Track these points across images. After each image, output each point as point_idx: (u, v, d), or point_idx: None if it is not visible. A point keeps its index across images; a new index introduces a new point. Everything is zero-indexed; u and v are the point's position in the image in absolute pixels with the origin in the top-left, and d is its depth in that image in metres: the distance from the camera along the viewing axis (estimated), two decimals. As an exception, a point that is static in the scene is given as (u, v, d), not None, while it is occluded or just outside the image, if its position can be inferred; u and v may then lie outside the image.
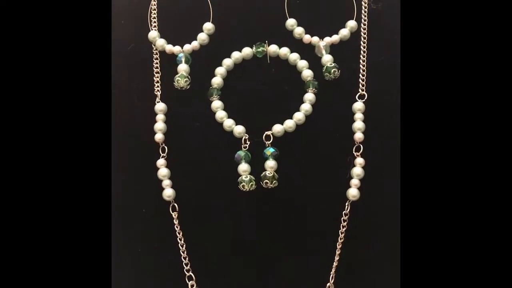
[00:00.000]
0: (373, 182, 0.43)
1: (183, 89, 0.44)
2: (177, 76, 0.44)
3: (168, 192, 0.43)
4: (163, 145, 0.44)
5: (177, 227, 0.43)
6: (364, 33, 0.46)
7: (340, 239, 0.42)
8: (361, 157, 0.43)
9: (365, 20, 0.47)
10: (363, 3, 0.47)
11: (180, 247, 0.43)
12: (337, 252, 0.42)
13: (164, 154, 0.44)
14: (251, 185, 0.41)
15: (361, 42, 0.46)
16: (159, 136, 0.44)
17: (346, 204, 0.42)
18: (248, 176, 0.42)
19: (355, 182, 0.42)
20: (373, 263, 0.43)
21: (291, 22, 0.45)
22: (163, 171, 0.43)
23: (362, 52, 0.46)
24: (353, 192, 0.42)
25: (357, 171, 0.42)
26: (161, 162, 0.43)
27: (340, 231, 0.42)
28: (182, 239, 0.43)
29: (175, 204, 0.43)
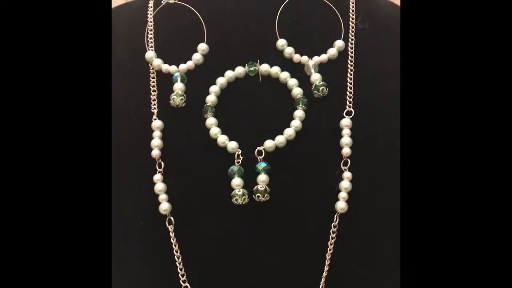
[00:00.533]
0: (365, 195, 0.45)
1: (179, 107, 0.46)
2: (173, 94, 0.46)
3: (164, 206, 0.45)
4: (160, 160, 0.45)
5: (173, 240, 0.44)
6: (351, 52, 0.48)
7: (330, 250, 0.44)
8: (349, 171, 0.45)
9: (352, 40, 0.49)
10: (350, 23, 0.49)
11: (176, 259, 0.44)
12: (327, 263, 0.44)
13: (161, 170, 0.45)
14: (244, 198, 0.43)
15: (348, 61, 0.48)
16: (155, 152, 0.45)
17: (335, 216, 0.44)
18: (241, 190, 0.43)
19: (343, 195, 0.44)
20: (363, 273, 0.44)
21: (281, 42, 0.47)
22: (159, 186, 0.45)
23: (349, 70, 0.47)
24: (341, 205, 0.44)
25: (345, 184, 0.44)
26: (157, 177, 0.45)
27: (329, 242, 0.44)
28: (178, 251, 0.44)
29: (171, 218, 0.44)
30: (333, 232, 0.44)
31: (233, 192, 0.43)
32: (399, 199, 0.40)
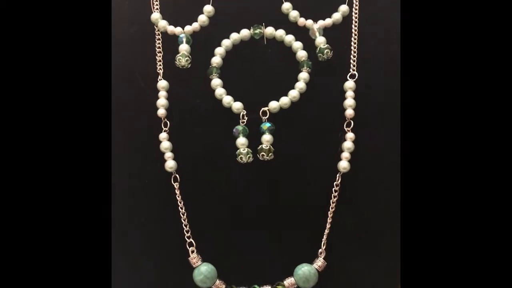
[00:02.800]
0: (367, 156, 0.46)
1: (184, 67, 0.46)
2: (178, 55, 0.46)
3: (170, 164, 0.45)
4: (165, 120, 0.46)
5: (178, 197, 0.45)
6: (356, 18, 0.48)
7: (332, 208, 0.45)
8: (352, 132, 0.45)
9: (356, 5, 0.49)
10: (355, -11, 0.49)
11: (182, 215, 0.45)
12: (329, 221, 0.45)
13: (166, 129, 0.46)
14: (249, 157, 0.44)
15: (352, 26, 0.48)
16: (161, 111, 0.46)
17: (337, 175, 0.45)
18: (246, 149, 0.44)
19: (345, 155, 0.45)
20: (365, 230, 0.46)
21: (286, 5, 0.47)
22: (165, 144, 0.45)
23: (353, 35, 0.48)
24: (343, 164, 0.45)
25: (348, 145, 0.45)
26: (163, 135, 0.45)
27: (331, 200, 0.45)
28: (183, 207, 0.45)
29: (177, 175, 0.45)
30: (335, 191, 0.45)
31: (238, 151, 0.44)
32: (399, 162, 0.41)
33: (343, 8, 0.48)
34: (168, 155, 0.45)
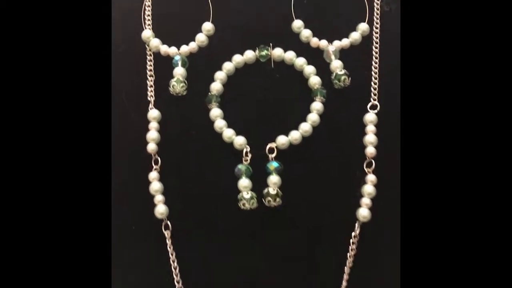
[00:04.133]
0: (390, 202, 0.40)
1: (179, 95, 0.41)
2: (172, 80, 0.41)
3: (161, 209, 0.40)
4: (156, 156, 0.41)
5: (169, 247, 0.40)
6: (377, 37, 0.43)
7: (349, 263, 0.39)
8: (373, 173, 0.39)
9: (377, 23, 0.43)
10: (375, 4, 0.44)
11: (173, 270, 0.39)
12: (345, 278, 0.39)
13: (157, 167, 0.41)
14: (252, 202, 0.38)
15: (373, 47, 0.43)
16: (151, 147, 0.41)
17: (356, 225, 0.39)
18: (249, 192, 0.39)
19: (366, 201, 0.39)
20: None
21: (297, 24, 0.42)
22: (155, 186, 0.40)
23: (374, 58, 0.42)
24: (363, 213, 0.39)
25: (368, 189, 0.39)
26: (153, 175, 0.40)
27: (348, 254, 0.39)
28: (175, 261, 0.39)
29: (168, 222, 0.40)
30: (353, 243, 0.39)
31: (240, 194, 0.39)
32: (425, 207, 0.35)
33: (363, 26, 0.43)
34: (159, 198, 0.40)
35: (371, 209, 0.39)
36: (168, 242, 0.40)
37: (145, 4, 0.43)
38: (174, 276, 0.39)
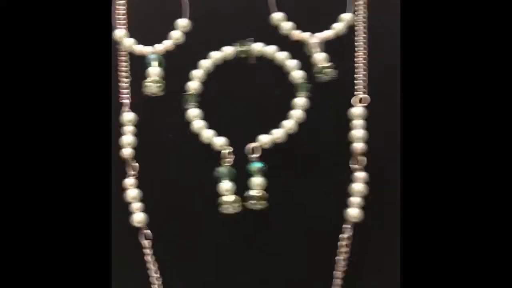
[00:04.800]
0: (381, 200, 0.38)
1: (155, 95, 0.39)
2: (147, 80, 0.39)
3: (138, 217, 0.38)
4: (132, 161, 0.39)
5: (151, 258, 0.38)
6: (364, 27, 0.41)
7: (342, 267, 0.37)
8: (364, 170, 0.37)
9: (364, 13, 0.41)
10: (362, -10, 0.42)
11: (156, 281, 0.37)
12: (335, 283, 0.36)
13: (134, 172, 0.39)
14: (235, 206, 0.36)
15: (361, 38, 0.40)
16: (127, 151, 0.39)
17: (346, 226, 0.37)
18: (232, 196, 0.37)
19: (356, 200, 0.37)
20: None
21: (277, 16, 0.40)
22: (132, 193, 0.38)
23: (362, 48, 0.40)
24: (353, 213, 0.37)
25: (357, 187, 0.37)
26: (129, 181, 0.38)
27: (337, 257, 0.37)
28: (157, 272, 0.37)
29: (147, 231, 0.38)
30: (342, 246, 0.37)
31: (221, 198, 0.37)
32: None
33: (347, 16, 0.41)
34: (136, 206, 0.38)
35: (363, 208, 0.37)
36: (149, 252, 0.38)
37: (116, 2, 0.41)
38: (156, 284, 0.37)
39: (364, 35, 0.41)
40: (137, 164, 0.39)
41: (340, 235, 0.37)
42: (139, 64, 0.40)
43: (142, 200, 0.38)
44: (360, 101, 0.39)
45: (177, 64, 0.40)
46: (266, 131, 0.38)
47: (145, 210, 0.38)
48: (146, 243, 0.38)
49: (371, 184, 0.38)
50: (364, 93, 0.39)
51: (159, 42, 0.40)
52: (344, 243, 0.37)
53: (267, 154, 0.38)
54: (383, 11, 0.42)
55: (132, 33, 0.41)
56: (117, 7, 0.41)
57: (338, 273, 0.37)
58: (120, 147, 0.39)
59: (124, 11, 0.42)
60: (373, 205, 0.38)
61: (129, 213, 0.38)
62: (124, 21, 0.41)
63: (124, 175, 0.38)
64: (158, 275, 0.38)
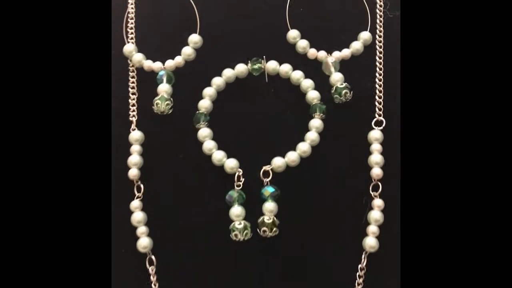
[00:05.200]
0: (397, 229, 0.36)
1: (164, 114, 0.38)
2: (157, 98, 0.38)
3: (144, 242, 0.36)
4: (139, 182, 0.37)
5: (154, 285, 0.36)
6: (380, 47, 0.39)
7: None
8: (380, 198, 0.35)
9: (380, 32, 0.40)
10: (377, 11, 0.40)
11: (159, 309, 0.35)
12: (352, 315, 0.35)
13: (140, 194, 0.37)
14: (246, 233, 0.35)
15: (377, 58, 0.39)
16: (133, 172, 0.37)
17: (363, 256, 0.36)
18: (242, 222, 0.35)
19: (373, 229, 0.35)
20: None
21: (293, 34, 0.39)
22: (138, 216, 0.37)
23: (378, 69, 0.39)
24: (370, 242, 0.35)
25: (376, 215, 0.35)
26: (135, 204, 0.37)
27: (354, 288, 0.35)
28: (162, 300, 0.36)
29: (153, 257, 0.37)
30: (360, 277, 0.36)
31: (232, 225, 0.35)
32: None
33: (365, 35, 0.40)
34: (142, 230, 0.36)
35: (379, 237, 0.35)
36: (153, 279, 0.36)
37: (127, 16, 0.40)
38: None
39: (380, 55, 0.39)
40: (142, 186, 0.37)
41: (359, 265, 0.35)
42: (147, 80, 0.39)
43: (147, 224, 0.37)
44: (377, 124, 0.37)
45: (188, 82, 0.38)
46: (280, 154, 0.36)
47: (150, 234, 0.37)
48: (150, 269, 0.36)
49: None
50: (380, 115, 0.38)
51: (170, 58, 0.39)
52: (361, 273, 0.35)
53: (280, 178, 0.36)
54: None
55: (141, 48, 0.40)
56: (128, 20, 0.40)
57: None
58: (122, 166, 0.37)
59: (133, 25, 0.40)
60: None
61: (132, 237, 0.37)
62: (133, 35, 0.40)
63: (127, 196, 0.37)
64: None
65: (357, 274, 0.35)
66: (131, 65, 0.39)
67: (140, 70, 0.39)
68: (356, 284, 0.35)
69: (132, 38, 0.40)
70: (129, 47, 0.39)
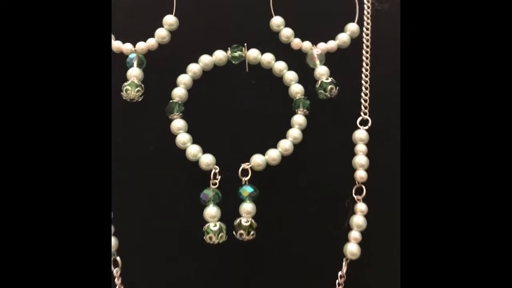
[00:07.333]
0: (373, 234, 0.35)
1: (134, 101, 0.35)
2: (126, 84, 0.35)
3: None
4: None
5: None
6: (367, 40, 0.38)
7: (335, 306, 0.34)
8: (363, 202, 0.34)
9: (368, 24, 0.38)
10: (365, 2, 0.39)
11: (122, 318, 0.33)
12: (332, 323, 0.33)
13: None
14: (221, 236, 0.33)
15: (363, 52, 0.38)
16: None
17: (343, 262, 0.34)
18: (217, 224, 0.33)
19: (354, 235, 0.34)
20: None
21: (277, 21, 0.37)
22: None
23: (364, 64, 0.37)
24: (352, 249, 0.34)
25: (358, 220, 0.34)
26: None
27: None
28: (126, 306, 0.33)
29: (117, 258, 0.34)
30: (339, 285, 0.35)
31: (206, 226, 0.33)
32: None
33: (352, 27, 0.38)
34: None
35: (361, 244, 0.34)
36: (117, 281, 0.33)
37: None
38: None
39: (367, 49, 0.38)
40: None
41: (339, 272, 0.34)
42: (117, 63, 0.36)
43: (113, 222, 0.34)
44: (362, 123, 0.36)
45: (161, 67, 0.36)
46: (260, 151, 0.34)
47: (116, 234, 0.34)
48: (115, 271, 0.33)
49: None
50: (365, 114, 0.36)
51: (142, 40, 0.36)
52: (341, 281, 0.34)
53: (259, 177, 0.34)
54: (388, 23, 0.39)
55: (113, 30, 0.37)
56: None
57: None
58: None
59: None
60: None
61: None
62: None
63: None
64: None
65: (337, 281, 0.34)
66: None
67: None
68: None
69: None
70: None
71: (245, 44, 0.36)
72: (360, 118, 0.36)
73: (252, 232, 0.33)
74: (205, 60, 0.36)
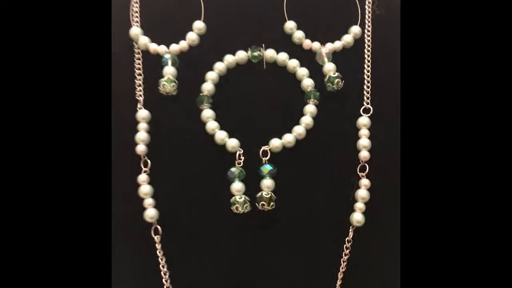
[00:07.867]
0: (376, 205, 0.39)
1: (169, 94, 0.39)
2: (163, 80, 0.39)
3: (151, 213, 0.38)
4: (146, 158, 0.39)
5: (159, 252, 0.38)
6: (369, 40, 0.42)
7: (342, 268, 0.38)
8: (366, 178, 0.39)
9: (369, 26, 0.43)
10: (366, 7, 0.43)
11: (163, 275, 0.38)
12: (338, 283, 0.38)
13: (147, 169, 0.39)
14: (246, 206, 0.37)
15: (365, 50, 0.42)
16: (141, 148, 0.39)
17: (350, 229, 0.39)
18: (242, 196, 0.37)
19: (359, 206, 0.39)
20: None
21: (290, 24, 0.41)
22: (145, 189, 0.38)
23: (366, 61, 0.42)
24: (357, 217, 0.38)
25: (362, 193, 0.39)
26: (143, 177, 0.38)
27: (342, 259, 0.38)
28: (165, 266, 0.38)
29: (158, 227, 0.38)
30: (347, 248, 0.39)
31: (233, 198, 0.37)
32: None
33: (355, 29, 0.42)
34: (148, 202, 0.38)
35: (365, 213, 0.39)
36: (158, 246, 0.38)
37: (132, 0, 0.42)
38: (164, 282, 0.38)
39: (369, 48, 0.42)
40: (148, 161, 0.39)
41: (346, 238, 0.39)
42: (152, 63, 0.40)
43: (154, 196, 0.39)
44: (365, 111, 0.40)
45: (192, 66, 0.40)
46: (278, 136, 0.39)
47: (157, 206, 0.39)
48: (156, 238, 0.38)
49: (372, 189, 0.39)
50: (368, 103, 0.41)
51: (174, 42, 0.41)
52: (348, 245, 0.39)
53: (277, 157, 0.38)
54: (386, 26, 0.43)
55: (146, 31, 0.41)
56: (133, 3, 0.41)
57: (340, 274, 0.39)
58: (125, 144, 0.39)
59: (138, 9, 0.42)
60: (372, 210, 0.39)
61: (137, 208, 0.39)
62: (138, 19, 0.42)
63: (135, 171, 0.39)
64: (166, 270, 0.38)
65: (344, 245, 0.39)
66: (137, 47, 0.40)
67: (144, 52, 0.40)
68: (343, 255, 0.39)
69: (137, 22, 0.41)
70: (135, 30, 0.40)
71: (263, 45, 0.40)
72: (363, 107, 0.40)
73: (272, 204, 0.37)
74: (229, 59, 0.40)
